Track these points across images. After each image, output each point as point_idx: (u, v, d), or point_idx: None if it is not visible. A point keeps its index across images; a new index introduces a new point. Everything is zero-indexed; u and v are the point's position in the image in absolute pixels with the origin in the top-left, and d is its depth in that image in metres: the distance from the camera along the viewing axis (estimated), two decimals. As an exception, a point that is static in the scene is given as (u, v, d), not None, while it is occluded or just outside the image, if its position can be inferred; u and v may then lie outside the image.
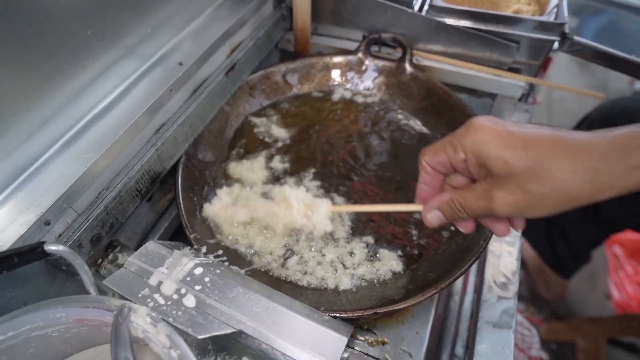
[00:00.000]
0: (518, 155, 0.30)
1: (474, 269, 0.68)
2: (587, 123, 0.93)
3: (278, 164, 0.56)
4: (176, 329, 0.30)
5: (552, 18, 0.58)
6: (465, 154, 0.33)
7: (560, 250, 1.03)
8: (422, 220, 0.37)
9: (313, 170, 0.55)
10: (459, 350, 0.62)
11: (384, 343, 0.42)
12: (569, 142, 0.30)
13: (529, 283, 1.16)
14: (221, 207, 0.48)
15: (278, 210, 0.43)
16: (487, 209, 0.32)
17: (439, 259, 0.45)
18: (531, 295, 1.15)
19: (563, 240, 1.01)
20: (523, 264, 1.14)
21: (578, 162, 0.30)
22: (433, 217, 0.36)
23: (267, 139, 0.59)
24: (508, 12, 0.62)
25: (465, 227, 0.36)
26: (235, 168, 0.55)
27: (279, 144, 0.59)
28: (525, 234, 1.10)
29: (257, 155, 0.57)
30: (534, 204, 0.31)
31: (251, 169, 0.55)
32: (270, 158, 0.57)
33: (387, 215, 0.50)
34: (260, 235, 0.47)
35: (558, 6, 0.59)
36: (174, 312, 0.32)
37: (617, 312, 1.09)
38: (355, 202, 0.51)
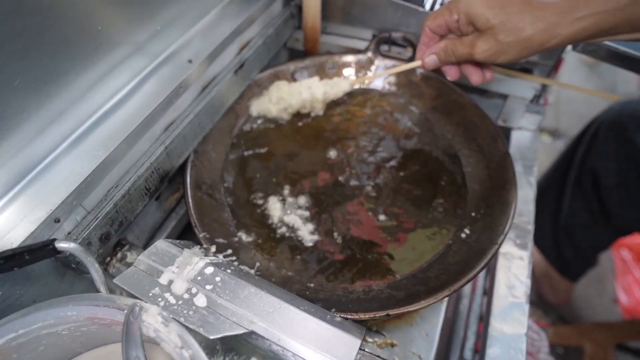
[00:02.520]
0: (495, 13, 0.40)
1: (482, 272, 0.68)
2: (596, 126, 0.92)
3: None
4: (187, 328, 0.30)
5: (565, 18, 0.58)
6: (458, 14, 0.43)
7: (567, 253, 1.02)
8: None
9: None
10: (468, 353, 0.61)
11: (393, 345, 0.41)
12: (535, 1, 0.39)
13: (535, 287, 1.15)
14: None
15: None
16: (469, 54, 0.44)
17: (450, 260, 0.44)
18: (537, 299, 1.14)
19: (571, 243, 1.00)
20: (529, 266, 1.12)
21: (537, 15, 0.39)
22: (430, 60, 0.48)
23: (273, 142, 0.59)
24: (520, 12, 0.61)
25: (452, 75, 0.49)
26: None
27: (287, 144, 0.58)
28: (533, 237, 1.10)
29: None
30: (502, 51, 0.41)
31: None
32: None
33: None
34: None
35: (572, 6, 0.59)
36: (185, 311, 0.32)
37: (624, 317, 1.08)
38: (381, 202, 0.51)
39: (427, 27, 0.48)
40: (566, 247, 1.01)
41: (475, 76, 0.47)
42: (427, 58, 0.48)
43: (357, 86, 0.66)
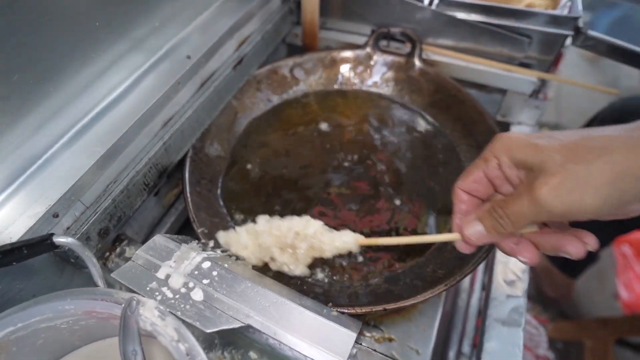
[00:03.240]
0: (549, 139, 0.29)
1: (481, 266, 0.68)
2: (598, 122, 0.91)
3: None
4: (184, 322, 0.30)
5: (565, 12, 0.57)
6: (498, 157, 0.31)
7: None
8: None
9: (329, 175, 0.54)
10: (466, 348, 0.62)
11: (390, 340, 0.42)
12: (593, 131, 0.28)
13: (534, 282, 1.15)
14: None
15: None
16: (532, 204, 0.28)
17: (447, 255, 0.44)
18: (537, 294, 1.14)
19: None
20: (530, 262, 1.12)
21: (614, 132, 0.27)
22: (474, 231, 0.32)
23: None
24: (520, 6, 0.61)
25: (528, 255, 0.32)
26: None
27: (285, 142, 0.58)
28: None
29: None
30: (583, 180, 0.26)
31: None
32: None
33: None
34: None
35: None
36: (182, 305, 0.32)
37: (625, 313, 1.08)
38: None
39: (460, 188, 0.34)
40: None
41: (572, 246, 0.32)
42: (469, 228, 0.32)
43: (356, 88, 0.66)
